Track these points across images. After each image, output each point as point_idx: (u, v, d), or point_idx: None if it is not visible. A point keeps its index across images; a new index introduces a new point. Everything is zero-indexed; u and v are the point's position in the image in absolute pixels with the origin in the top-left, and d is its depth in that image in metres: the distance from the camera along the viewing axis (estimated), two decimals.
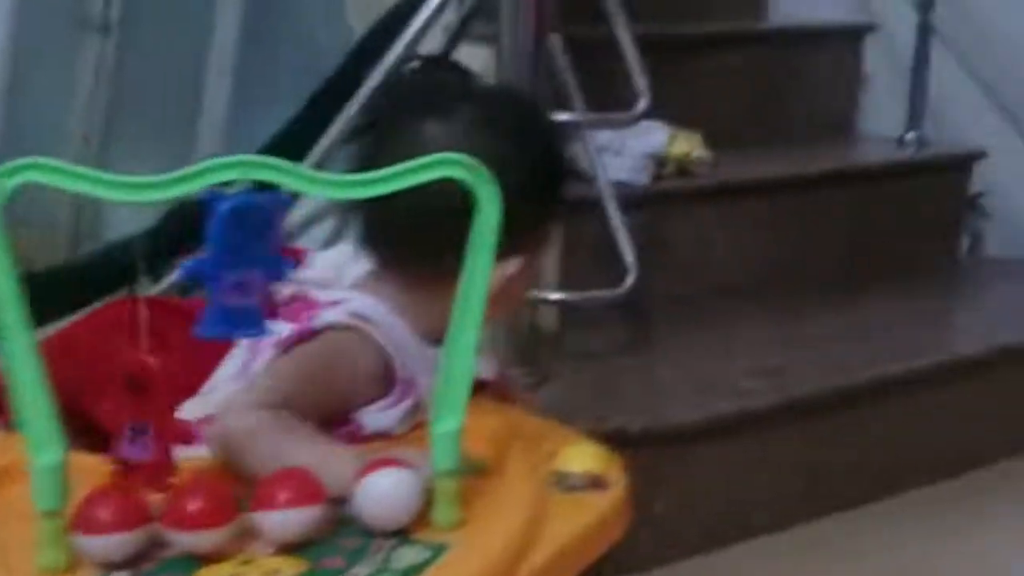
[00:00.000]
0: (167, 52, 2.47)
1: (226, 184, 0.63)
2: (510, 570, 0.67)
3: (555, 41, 1.61)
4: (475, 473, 0.75)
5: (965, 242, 2.24)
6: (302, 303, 0.83)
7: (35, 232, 2.47)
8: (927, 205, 2.10)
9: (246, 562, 0.66)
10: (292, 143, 1.54)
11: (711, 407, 1.44)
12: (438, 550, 0.67)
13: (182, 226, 1.54)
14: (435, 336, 0.77)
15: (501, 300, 0.78)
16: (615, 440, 1.14)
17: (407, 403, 0.81)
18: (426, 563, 0.66)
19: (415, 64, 1.60)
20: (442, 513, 0.69)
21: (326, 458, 0.72)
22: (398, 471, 0.69)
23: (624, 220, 1.55)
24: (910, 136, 2.18)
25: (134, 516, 0.65)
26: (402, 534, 0.69)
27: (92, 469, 0.71)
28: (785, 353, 1.64)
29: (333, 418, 0.80)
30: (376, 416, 0.81)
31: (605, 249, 1.60)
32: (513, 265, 0.81)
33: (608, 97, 1.65)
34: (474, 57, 1.67)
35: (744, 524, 1.50)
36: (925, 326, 1.80)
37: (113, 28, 2.50)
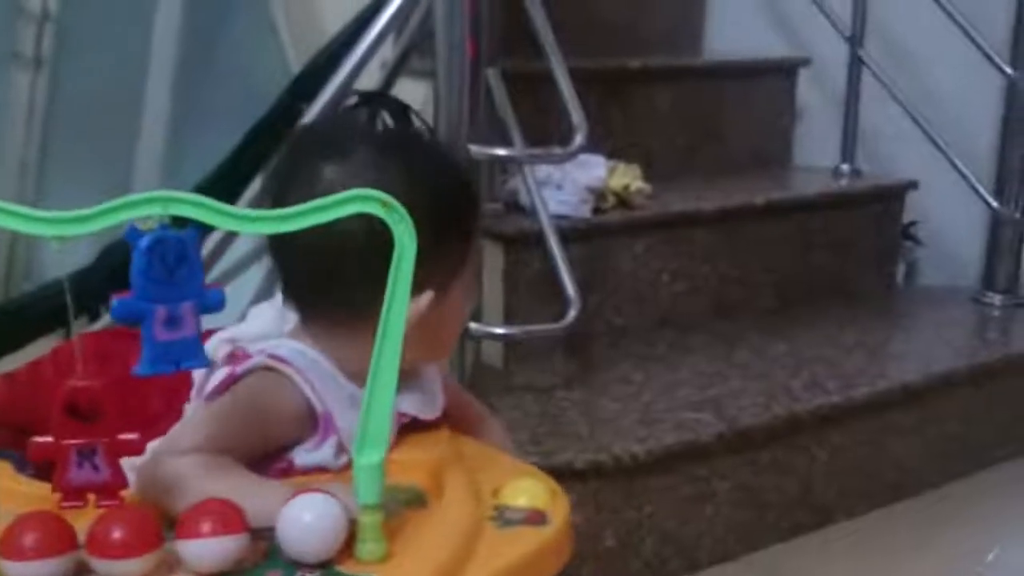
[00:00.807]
0: (102, 84, 2.44)
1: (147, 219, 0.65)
2: None
3: (493, 75, 1.62)
4: (412, 505, 0.76)
5: (901, 270, 2.28)
6: (240, 357, 0.84)
7: None
8: (862, 235, 2.14)
9: None
10: (230, 179, 1.53)
11: (655, 439, 1.44)
12: None
13: (117, 263, 1.51)
14: (363, 377, 0.76)
15: (420, 337, 0.79)
16: (562, 474, 1.14)
17: (331, 440, 0.82)
18: None
19: (352, 100, 1.60)
20: (364, 547, 0.69)
21: (253, 490, 0.74)
22: (320, 500, 0.69)
23: (565, 253, 1.55)
24: (844, 167, 2.22)
25: (59, 543, 0.66)
26: (327, 565, 0.68)
27: (36, 496, 0.72)
28: (727, 383, 1.64)
29: (263, 458, 0.80)
30: (305, 455, 0.82)
31: (547, 282, 1.60)
32: (425, 299, 0.81)
33: (548, 130, 1.66)
34: (413, 92, 1.68)
35: (691, 556, 1.50)
36: (864, 354, 1.82)
37: (45, 62, 2.47)
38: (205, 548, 0.67)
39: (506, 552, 0.74)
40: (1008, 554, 1.59)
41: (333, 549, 0.69)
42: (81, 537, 0.67)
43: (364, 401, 0.69)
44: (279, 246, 0.84)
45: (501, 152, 1.50)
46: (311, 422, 0.82)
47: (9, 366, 1.55)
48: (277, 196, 0.82)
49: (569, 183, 1.70)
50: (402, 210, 0.67)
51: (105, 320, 1.41)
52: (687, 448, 1.46)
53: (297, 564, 0.69)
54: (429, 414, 0.88)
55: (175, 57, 2.34)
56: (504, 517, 0.77)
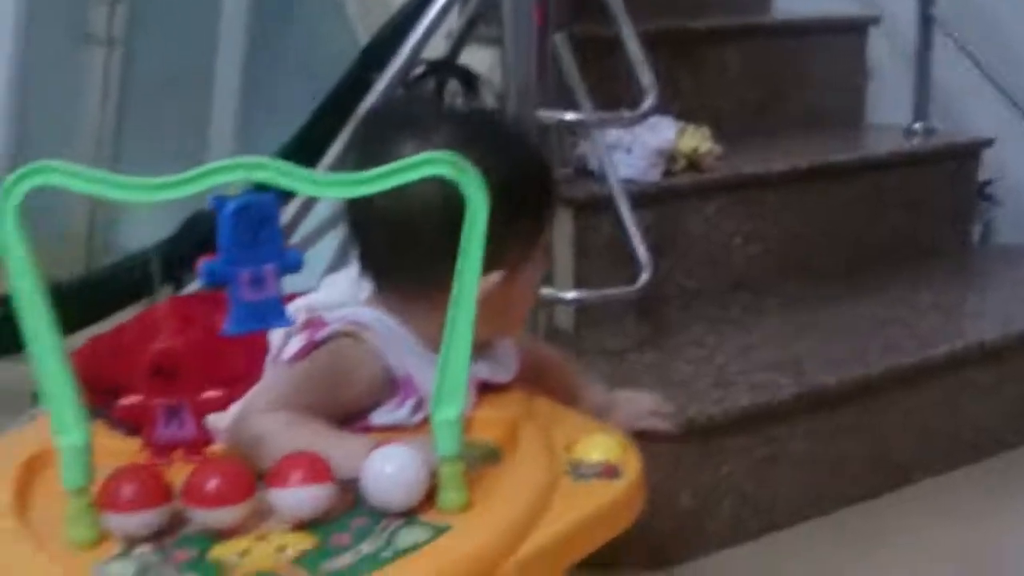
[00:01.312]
0: (174, 62, 2.49)
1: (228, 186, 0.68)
2: (506, 551, 0.69)
3: (560, 40, 1.61)
4: (487, 460, 0.79)
5: (977, 230, 2.24)
6: (316, 324, 0.86)
7: (49, 243, 2.48)
8: (937, 194, 2.10)
9: (260, 538, 0.69)
10: (303, 151, 1.55)
11: (731, 401, 1.44)
12: (439, 531, 0.70)
13: (200, 234, 1.54)
14: (439, 345, 0.80)
15: (490, 314, 0.80)
16: (637, 436, 1.15)
17: (410, 402, 0.85)
18: (426, 542, 0.69)
19: (421, 69, 1.61)
20: (446, 496, 0.72)
21: (336, 443, 0.77)
22: (402, 452, 0.72)
23: (636, 217, 1.55)
24: (917, 126, 2.18)
25: (156, 494, 0.69)
26: (410, 515, 0.71)
27: (129, 452, 0.75)
28: (802, 345, 1.63)
29: (342, 421, 0.83)
30: (383, 415, 0.84)
31: (618, 247, 1.61)
32: (494, 278, 0.83)
33: (617, 94, 1.66)
34: (480, 59, 1.69)
35: (768, 516, 1.50)
36: (940, 314, 1.80)
37: (118, 42, 2.52)
38: (295, 497, 0.70)
39: (581, 504, 0.76)
40: None
41: (415, 499, 0.72)
42: (174, 490, 0.71)
43: (440, 358, 0.72)
44: (357, 219, 0.87)
45: (570, 117, 1.50)
46: (390, 386, 0.84)
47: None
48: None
49: (638, 147, 1.69)
50: (473, 172, 0.69)
51: (188, 289, 1.45)
52: (763, 409, 1.46)
53: (381, 513, 0.72)
54: (502, 377, 0.90)
55: (244, 34, 2.37)
56: (578, 471, 0.79)
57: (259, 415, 0.79)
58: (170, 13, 2.46)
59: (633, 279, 1.54)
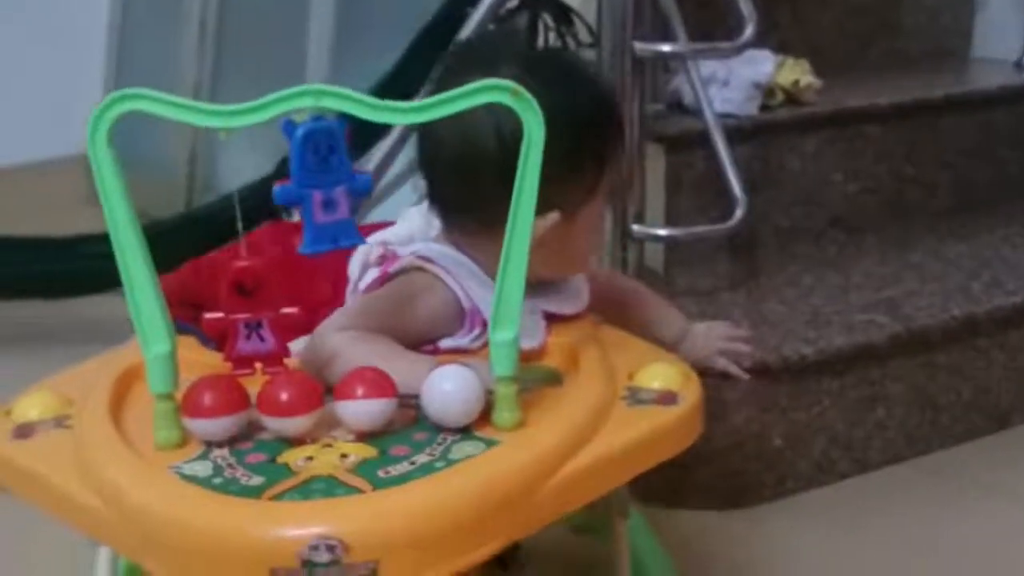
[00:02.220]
0: (269, 3, 2.50)
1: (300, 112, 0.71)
2: (550, 468, 0.73)
3: None
4: (549, 383, 0.82)
5: None
6: (390, 258, 0.91)
7: (151, 184, 2.56)
8: None
9: (326, 446, 0.74)
10: (398, 85, 1.55)
11: (825, 341, 1.42)
12: (490, 445, 0.74)
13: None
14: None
15: (547, 254, 0.84)
16: (727, 375, 1.14)
17: (477, 331, 0.88)
18: (476, 455, 0.73)
19: (515, 2, 1.60)
20: (500, 415, 0.76)
21: (403, 361, 0.81)
22: (460, 371, 0.75)
23: (731, 153, 1.51)
24: None
25: (234, 403, 0.74)
26: (466, 431, 0.75)
27: (214, 365, 0.80)
28: (901, 285, 1.59)
29: (412, 348, 0.86)
30: (450, 342, 0.88)
31: (711, 184, 1.58)
32: (550, 218, 0.85)
33: (712, 26, 1.62)
34: None
35: (860, 457, 1.48)
36: None
37: None
38: (358, 409, 0.74)
39: (633, 427, 0.79)
40: None
41: (470, 416, 0.75)
42: (251, 399, 0.75)
43: (497, 283, 0.75)
44: (424, 156, 0.90)
45: (666, 48, 1.47)
46: (459, 318, 0.88)
47: None
48: None
49: (735, 79, 1.65)
50: (532, 100, 0.70)
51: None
52: (858, 350, 1.43)
53: (439, 428, 0.76)
54: (569, 310, 0.93)
55: None
56: (636, 396, 0.82)
57: (332, 333, 0.83)
58: None
59: (726, 217, 1.52)
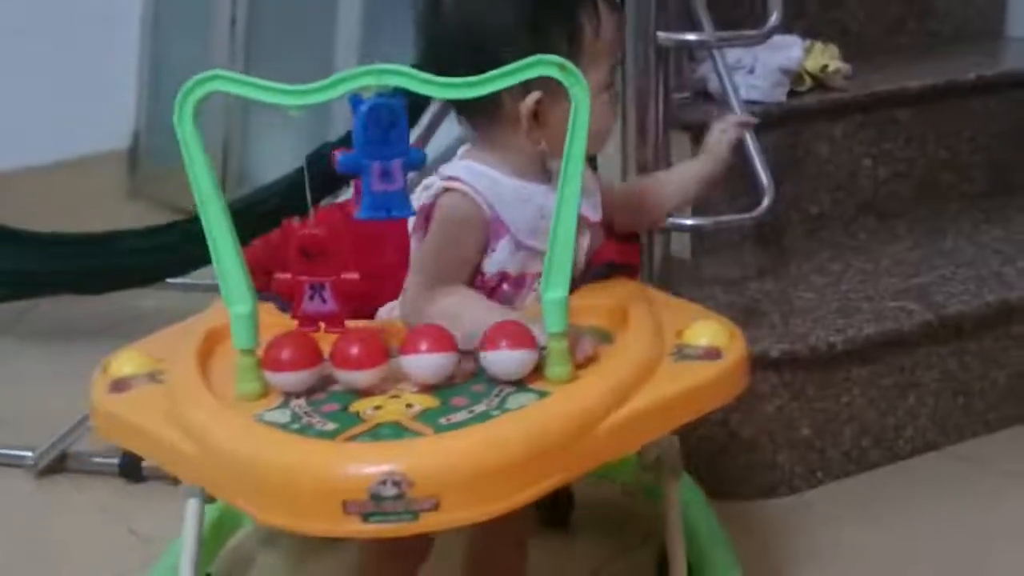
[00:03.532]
0: None
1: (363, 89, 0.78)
2: (598, 416, 0.79)
3: None
4: (601, 342, 0.87)
5: None
6: (428, 186, 0.97)
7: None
8: None
9: (394, 396, 0.81)
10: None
11: (855, 329, 1.40)
12: (542, 395, 0.80)
13: (320, 169, 1.56)
14: (526, 173, 0.94)
15: (548, 135, 0.91)
16: (755, 364, 1.13)
17: (505, 239, 0.94)
18: (529, 405, 0.79)
19: None
20: (553, 369, 0.81)
21: (474, 313, 0.88)
22: (513, 351, 0.81)
23: (758, 140, 1.50)
24: None
25: (309, 358, 0.81)
26: (521, 383, 0.81)
27: (288, 326, 0.87)
28: (934, 271, 1.57)
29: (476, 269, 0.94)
30: (488, 263, 0.95)
31: (737, 172, 1.56)
32: (532, 98, 0.91)
33: (738, 13, 1.61)
34: None
35: (891, 446, 1.47)
36: None
37: None
38: (422, 362, 0.81)
39: (679, 380, 0.85)
40: None
41: (524, 370, 0.81)
42: (324, 354, 0.82)
43: (550, 245, 0.80)
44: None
45: (691, 37, 1.46)
46: (491, 228, 0.94)
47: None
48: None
49: (761, 66, 1.64)
50: (576, 70, 0.76)
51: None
52: (889, 338, 1.42)
53: (496, 381, 0.82)
54: (592, 215, 0.99)
55: None
56: (682, 352, 0.88)
57: (416, 295, 0.92)
58: None
59: (753, 205, 1.50)
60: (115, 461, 1.44)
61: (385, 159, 0.80)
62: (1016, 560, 1.27)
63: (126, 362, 0.91)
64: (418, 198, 0.96)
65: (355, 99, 0.79)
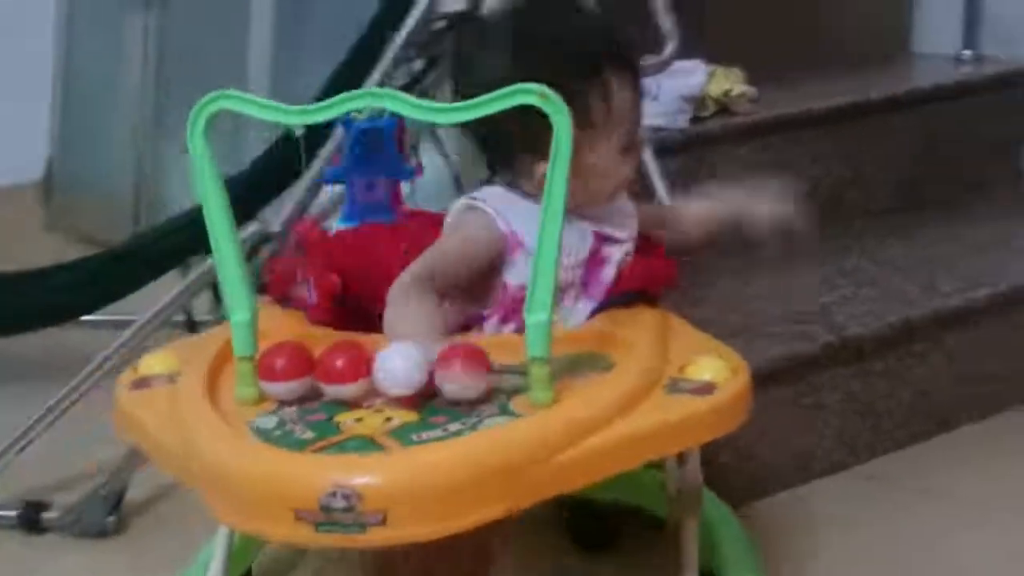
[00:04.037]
0: (209, 19, 2.49)
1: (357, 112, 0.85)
2: (563, 442, 0.79)
3: None
4: (602, 371, 0.88)
5: None
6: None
7: (98, 200, 2.55)
8: (989, 124, 2.02)
9: (378, 410, 0.83)
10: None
11: (758, 353, 1.41)
12: (514, 418, 0.81)
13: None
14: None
15: (582, 185, 0.95)
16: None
17: (522, 253, 0.98)
18: (498, 425, 0.80)
19: (440, 24, 1.58)
20: (534, 394, 0.82)
21: (414, 329, 0.91)
22: (460, 374, 0.82)
23: (659, 165, 1.51)
24: (967, 54, 2.09)
25: (299, 368, 0.85)
26: (504, 405, 0.83)
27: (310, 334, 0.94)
28: (837, 291, 1.59)
29: (484, 279, 1.00)
30: (512, 275, 0.99)
31: (642, 197, 1.57)
32: (541, 167, 0.91)
33: (643, 39, 1.61)
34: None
35: (804, 467, 1.48)
36: (988, 253, 1.74)
37: (154, 4, 2.54)
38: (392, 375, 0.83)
39: (661, 413, 0.85)
40: None
41: (471, 395, 0.82)
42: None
43: (531, 270, 0.80)
44: (472, 136, 1.05)
45: None
46: (503, 241, 0.99)
47: (131, 306, 1.63)
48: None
49: (664, 93, 1.65)
50: (557, 98, 0.78)
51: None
52: (793, 361, 1.43)
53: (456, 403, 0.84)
54: (619, 234, 1.04)
55: None
56: (676, 386, 0.88)
57: (399, 282, 0.95)
58: None
59: None
60: (13, 513, 1.40)
61: (370, 175, 0.87)
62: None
63: (156, 362, 0.96)
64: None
65: (348, 121, 0.87)
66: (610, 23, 1.05)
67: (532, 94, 0.78)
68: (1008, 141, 2.05)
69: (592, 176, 0.99)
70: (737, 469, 1.42)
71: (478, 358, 0.83)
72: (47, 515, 1.39)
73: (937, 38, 2.18)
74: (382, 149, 0.87)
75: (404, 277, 0.96)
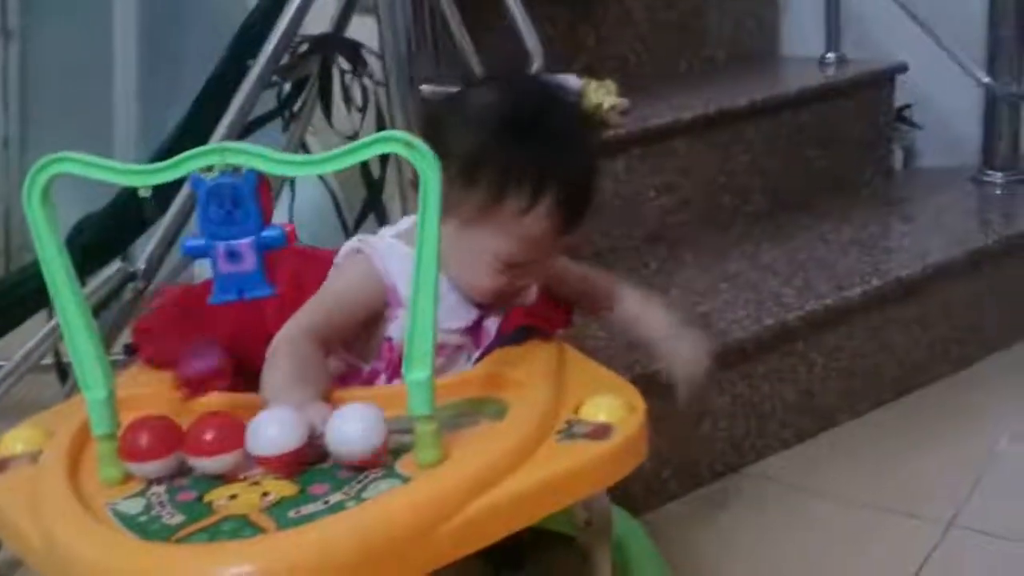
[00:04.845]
0: (71, 50, 2.42)
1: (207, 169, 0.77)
2: (452, 507, 0.73)
3: (447, 2, 1.56)
4: (493, 417, 0.83)
5: (899, 156, 2.22)
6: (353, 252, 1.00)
7: None
8: (855, 124, 2.08)
9: (254, 483, 0.77)
10: (186, 141, 1.49)
11: (642, 365, 1.41)
12: (405, 482, 0.76)
13: (84, 238, 1.49)
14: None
15: (451, 259, 0.91)
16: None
17: (401, 311, 0.94)
18: (387, 490, 0.75)
19: (304, 47, 1.56)
20: (420, 453, 0.77)
21: (294, 395, 0.85)
22: (360, 412, 0.78)
23: None
24: (830, 56, 2.15)
25: (165, 444, 0.79)
26: (390, 467, 0.77)
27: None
28: (718, 297, 1.61)
29: (367, 330, 0.96)
30: (395, 330, 0.95)
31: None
32: (450, 226, 0.90)
33: (514, 55, 1.61)
34: (368, 29, 1.63)
35: (691, 472, 1.49)
36: (859, 251, 1.78)
37: (14, 34, 2.45)
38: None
39: (554, 464, 0.79)
40: (1018, 443, 1.57)
41: (373, 454, 0.77)
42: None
43: (409, 322, 0.76)
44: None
45: (453, 89, 1.45)
46: (388, 295, 0.95)
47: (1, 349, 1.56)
48: None
49: None
50: (423, 147, 0.73)
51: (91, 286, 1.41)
52: None
53: (353, 466, 0.78)
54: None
55: (139, 13, 2.30)
56: (570, 431, 0.82)
57: (276, 339, 0.91)
58: (64, 2, 2.39)
59: None
60: None
61: (231, 239, 0.79)
62: (827, 573, 1.31)
63: (17, 440, 0.87)
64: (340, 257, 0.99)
65: (196, 179, 0.78)
66: (595, 164, 0.97)
67: (397, 143, 0.74)
68: (876, 139, 2.11)
69: (470, 270, 0.94)
70: (633, 477, 1.42)
71: (229, 432, 0.78)
72: None
73: (803, 41, 2.23)
74: (239, 209, 0.78)
75: (282, 332, 0.92)
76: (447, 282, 0.95)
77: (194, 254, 0.80)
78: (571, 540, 1.18)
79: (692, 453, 1.49)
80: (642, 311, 1.10)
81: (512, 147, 0.91)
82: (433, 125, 0.96)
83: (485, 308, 0.98)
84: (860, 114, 2.08)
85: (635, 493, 1.44)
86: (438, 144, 0.87)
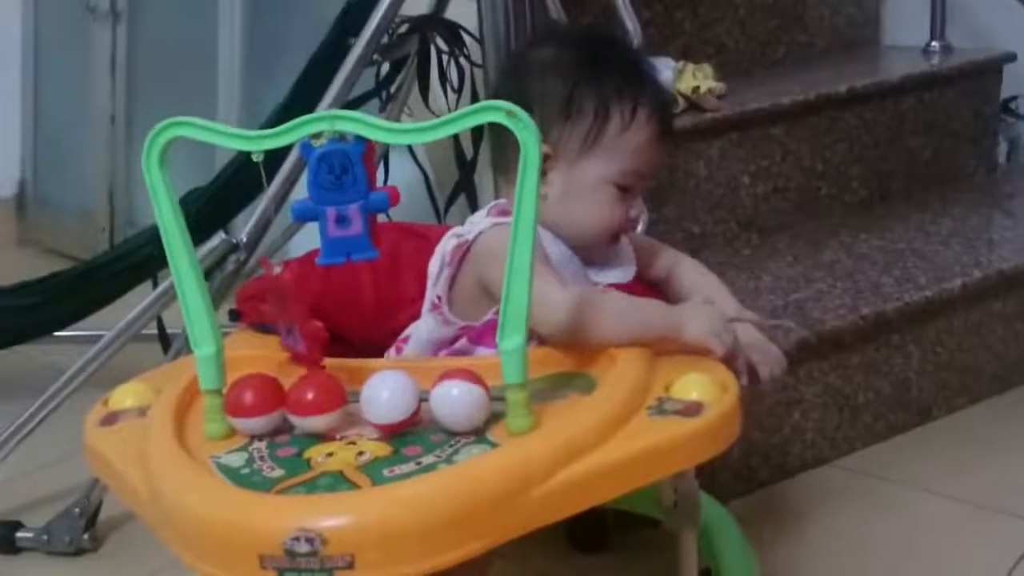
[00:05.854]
0: (177, 31, 2.48)
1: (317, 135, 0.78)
2: (541, 474, 0.74)
3: None
4: (583, 391, 0.84)
5: (1002, 149, 2.16)
6: (462, 246, 0.99)
7: (73, 219, 2.53)
8: (959, 115, 2.02)
9: (350, 443, 0.80)
10: (290, 116, 1.52)
11: None
12: (494, 447, 0.77)
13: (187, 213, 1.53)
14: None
15: (551, 204, 0.96)
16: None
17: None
18: (478, 455, 0.76)
19: (406, 25, 1.58)
20: (511, 421, 0.78)
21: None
22: (462, 387, 0.79)
23: None
24: (934, 45, 2.10)
25: (268, 402, 0.82)
26: (481, 434, 0.79)
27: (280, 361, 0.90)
28: (812, 286, 1.59)
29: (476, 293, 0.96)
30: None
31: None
32: (559, 174, 0.97)
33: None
34: (470, 13, 1.64)
35: (780, 463, 1.47)
36: (960, 243, 1.74)
37: (122, 15, 2.52)
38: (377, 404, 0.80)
39: (645, 438, 0.79)
40: None
41: (474, 423, 0.79)
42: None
43: (503, 294, 0.77)
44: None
45: None
46: None
47: (105, 319, 1.61)
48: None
49: None
50: (525, 116, 0.75)
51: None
52: None
53: (451, 432, 0.80)
54: (623, 280, 1.02)
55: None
56: (661, 407, 0.82)
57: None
58: None
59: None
60: None
61: (340, 204, 0.81)
62: (916, 568, 1.28)
63: (128, 394, 0.91)
64: (445, 244, 0.99)
65: (305, 146, 0.80)
66: (623, 74, 1.01)
67: (499, 111, 0.75)
68: (981, 130, 2.06)
69: (587, 205, 0.98)
70: (721, 464, 1.42)
71: (329, 392, 0.81)
72: (21, 534, 1.38)
73: (906, 30, 2.18)
74: (347, 175, 0.80)
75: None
76: (566, 246, 0.99)
77: (304, 218, 0.81)
78: (657, 524, 1.19)
79: (781, 443, 1.47)
80: (711, 293, 1.08)
81: (601, 74, 0.98)
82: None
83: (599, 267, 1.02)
84: (964, 105, 2.02)
85: (723, 480, 1.43)
86: (530, 96, 0.95)
